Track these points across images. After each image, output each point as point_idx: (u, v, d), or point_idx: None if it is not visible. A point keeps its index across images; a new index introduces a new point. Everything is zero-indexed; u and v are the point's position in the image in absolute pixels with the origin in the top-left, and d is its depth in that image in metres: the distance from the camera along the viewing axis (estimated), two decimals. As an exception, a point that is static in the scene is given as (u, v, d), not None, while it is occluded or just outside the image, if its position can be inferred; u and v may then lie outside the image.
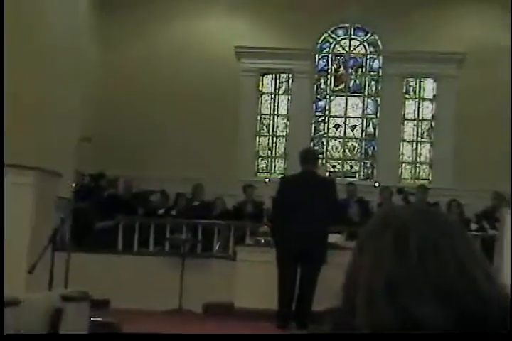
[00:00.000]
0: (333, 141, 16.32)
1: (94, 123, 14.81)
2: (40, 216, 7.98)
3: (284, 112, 16.33)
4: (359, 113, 16.26)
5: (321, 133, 16.30)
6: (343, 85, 16.34)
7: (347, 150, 16.26)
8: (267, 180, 13.68)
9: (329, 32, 16.30)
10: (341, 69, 16.39)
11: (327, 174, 15.55)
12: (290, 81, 16.23)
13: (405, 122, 16.11)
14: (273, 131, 16.34)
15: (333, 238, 10.22)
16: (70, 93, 12.67)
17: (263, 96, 16.37)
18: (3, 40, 9.96)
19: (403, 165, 16.09)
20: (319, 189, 9.15)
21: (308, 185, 9.11)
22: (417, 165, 16.10)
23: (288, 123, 16.27)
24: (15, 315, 4.55)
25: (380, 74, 16.19)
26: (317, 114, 16.29)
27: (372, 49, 16.30)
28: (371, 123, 16.21)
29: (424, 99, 16.14)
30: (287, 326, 9.16)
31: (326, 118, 16.31)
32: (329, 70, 16.37)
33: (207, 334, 7.98)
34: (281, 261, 9.17)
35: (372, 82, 16.29)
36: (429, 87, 16.09)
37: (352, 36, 16.36)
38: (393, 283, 1.39)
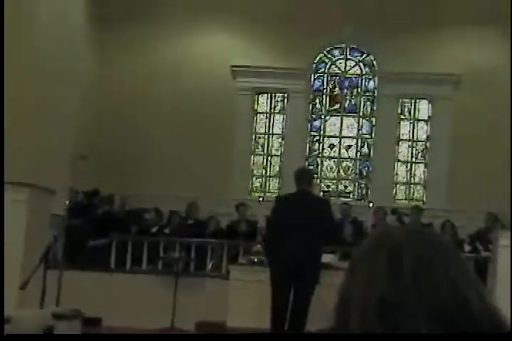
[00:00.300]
0: (327, 160, 16.34)
1: (89, 141, 14.81)
2: (33, 233, 7.96)
3: (279, 131, 16.36)
4: (354, 133, 16.29)
5: (315, 152, 16.32)
6: (338, 105, 16.38)
7: (341, 170, 16.27)
8: (260, 199, 13.66)
9: (325, 52, 16.36)
10: (337, 89, 16.44)
11: (321, 194, 15.53)
12: (285, 100, 16.27)
13: (400, 143, 16.14)
14: (268, 150, 16.36)
15: (326, 258, 10.18)
16: (65, 110, 12.67)
17: (258, 115, 16.39)
18: (3, 42, 9.98)
19: (397, 185, 16.10)
20: (314, 209, 9.11)
21: (303, 205, 9.08)
22: (412, 185, 16.12)
23: (283, 142, 16.29)
24: (6, 332, 4.53)
25: (376, 94, 16.25)
26: (312, 133, 16.32)
27: (367, 69, 16.37)
28: (366, 144, 16.24)
29: (418, 120, 16.18)
30: None
31: (321, 138, 16.34)
32: (325, 90, 16.43)
33: (206, 334, 7.96)
34: (274, 281, 9.13)
35: (368, 103, 16.34)
36: (423, 108, 16.14)
37: (348, 56, 16.42)
38: (386, 303, 1.39)
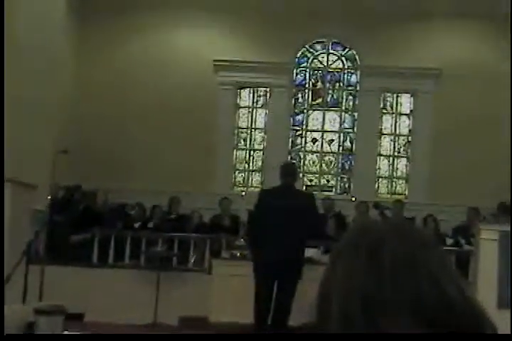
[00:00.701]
0: (310, 155, 16.35)
1: (71, 135, 14.75)
2: (14, 228, 7.92)
3: (262, 126, 16.34)
4: (336, 127, 16.30)
5: (298, 147, 16.32)
6: (320, 100, 16.38)
7: (324, 165, 16.29)
8: (243, 193, 13.65)
9: (307, 46, 16.36)
10: (319, 83, 16.44)
11: (304, 188, 15.54)
12: (268, 95, 16.25)
13: (382, 137, 16.16)
14: (250, 144, 16.34)
15: (309, 252, 10.20)
16: (46, 105, 12.62)
17: (241, 109, 16.37)
18: (3, 40, 9.92)
19: (380, 179, 16.13)
20: (299, 203, 9.12)
21: (287, 199, 9.08)
22: (394, 180, 16.15)
23: (265, 136, 16.28)
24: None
25: (358, 89, 16.26)
26: (294, 128, 16.32)
27: (349, 64, 16.37)
28: (348, 138, 16.25)
29: (401, 114, 16.21)
30: None
31: (304, 132, 16.34)
32: (307, 85, 16.42)
33: (203, 334, 7.93)
34: (258, 275, 9.13)
35: (350, 97, 16.34)
36: (406, 102, 16.17)
37: (330, 51, 16.42)
38: (367, 297, 1.38)
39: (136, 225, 13.19)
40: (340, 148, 16.26)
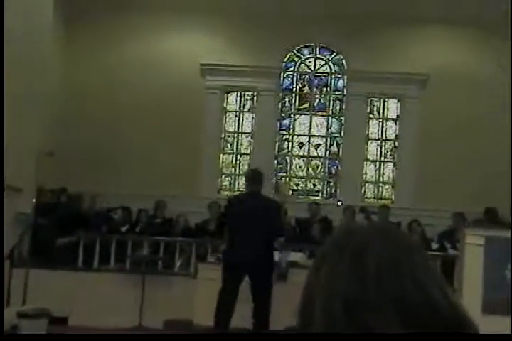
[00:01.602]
0: (296, 159, 16.35)
1: (56, 138, 14.69)
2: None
3: (249, 130, 16.34)
4: (323, 132, 16.31)
5: (284, 151, 16.32)
6: (307, 104, 16.40)
7: (310, 169, 16.29)
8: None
9: (294, 51, 16.37)
10: (306, 88, 16.46)
11: (290, 192, 15.54)
12: (255, 99, 16.25)
13: (369, 142, 16.18)
14: (237, 148, 16.33)
15: (294, 256, 10.20)
16: (32, 104, 12.55)
17: (227, 113, 16.36)
18: (3, 41, 9.88)
19: (366, 184, 16.15)
20: (263, 210, 9.19)
21: (252, 206, 9.15)
22: (380, 184, 16.17)
23: (252, 141, 16.27)
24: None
25: (345, 93, 16.28)
26: (281, 132, 16.32)
27: (337, 68, 16.40)
28: (335, 143, 16.27)
29: (387, 119, 16.24)
30: None
31: (290, 136, 16.35)
32: (294, 89, 16.43)
33: (200, 334, 7.91)
34: (226, 280, 9.16)
35: (337, 102, 16.36)
36: (392, 107, 16.20)
37: (317, 55, 16.44)
38: (349, 299, 1.38)
39: (123, 229, 13.15)
40: (327, 152, 16.27)
